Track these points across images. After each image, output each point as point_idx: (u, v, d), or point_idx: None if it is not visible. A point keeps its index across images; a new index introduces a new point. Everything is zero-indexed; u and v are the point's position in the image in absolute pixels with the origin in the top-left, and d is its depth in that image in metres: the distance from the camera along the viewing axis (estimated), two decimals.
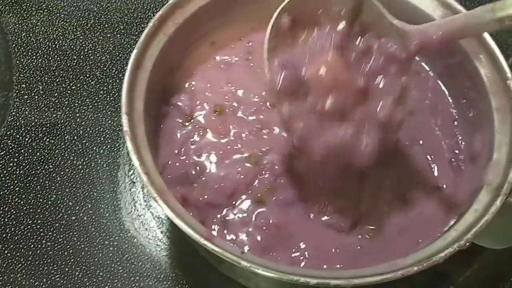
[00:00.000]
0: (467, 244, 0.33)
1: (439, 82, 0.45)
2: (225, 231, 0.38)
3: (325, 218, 0.38)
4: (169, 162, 0.41)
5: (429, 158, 0.41)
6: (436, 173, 0.41)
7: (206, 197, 0.39)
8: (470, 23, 0.32)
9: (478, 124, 0.40)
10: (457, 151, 0.42)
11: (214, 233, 0.38)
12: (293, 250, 0.37)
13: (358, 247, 0.38)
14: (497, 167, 0.36)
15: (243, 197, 0.39)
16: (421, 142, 0.42)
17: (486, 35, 0.40)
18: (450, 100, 0.45)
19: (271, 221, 0.38)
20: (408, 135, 0.42)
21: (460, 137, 0.43)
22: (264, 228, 0.37)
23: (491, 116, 0.38)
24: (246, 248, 0.37)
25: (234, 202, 0.39)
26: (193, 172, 0.41)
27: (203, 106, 0.44)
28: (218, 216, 0.38)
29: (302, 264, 0.37)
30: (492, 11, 0.31)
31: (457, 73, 0.43)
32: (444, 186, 0.40)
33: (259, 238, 0.37)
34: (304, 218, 0.38)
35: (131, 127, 0.36)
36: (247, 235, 0.38)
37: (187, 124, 0.43)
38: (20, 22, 0.58)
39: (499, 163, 0.36)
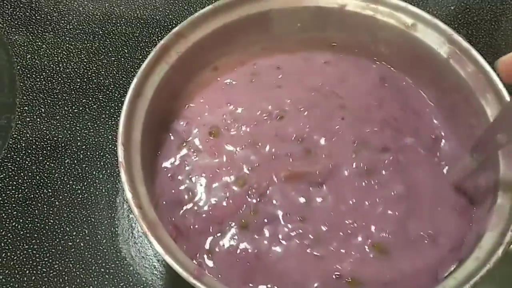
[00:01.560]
0: None
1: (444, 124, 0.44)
2: (212, 263, 0.37)
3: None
4: (164, 189, 0.40)
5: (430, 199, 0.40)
6: (438, 215, 0.39)
7: (196, 226, 0.38)
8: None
9: (482, 166, 0.39)
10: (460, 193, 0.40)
11: (208, 262, 0.37)
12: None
13: None
14: (501, 213, 0.35)
15: (232, 223, 0.38)
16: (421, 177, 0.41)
17: (493, 74, 0.38)
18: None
19: (250, 250, 0.37)
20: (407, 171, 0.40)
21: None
22: (244, 259, 0.37)
23: (497, 158, 0.37)
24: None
25: (221, 231, 0.38)
26: (186, 198, 0.40)
27: (200, 128, 0.43)
28: (207, 246, 0.37)
29: None
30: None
31: (463, 110, 0.41)
32: (443, 229, 0.39)
33: (240, 269, 0.36)
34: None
35: (126, 158, 0.36)
36: (231, 266, 0.37)
37: (183, 148, 0.42)
38: (25, 43, 0.59)
39: (502, 208, 0.35)
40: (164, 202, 0.39)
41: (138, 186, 0.35)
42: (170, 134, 0.43)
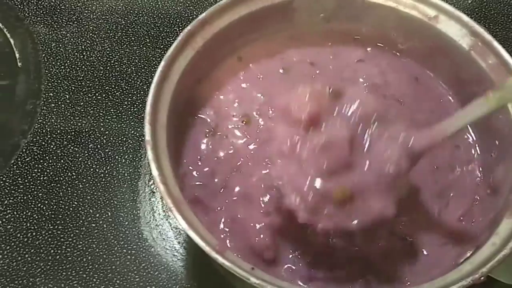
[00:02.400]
0: (482, 278, 0.32)
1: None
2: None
3: None
4: (189, 171, 0.41)
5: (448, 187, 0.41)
6: (454, 204, 0.40)
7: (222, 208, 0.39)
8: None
9: (500, 155, 0.40)
10: (478, 181, 0.41)
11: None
12: None
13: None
14: None
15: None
16: (436, 167, 0.41)
17: None
18: (469, 129, 0.43)
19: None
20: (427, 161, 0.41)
21: (480, 168, 0.42)
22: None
23: None
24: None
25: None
26: (213, 184, 0.41)
27: (229, 116, 0.44)
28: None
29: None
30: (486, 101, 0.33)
31: None
32: (462, 217, 0.40)
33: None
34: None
35: (153, 137, 0.37)
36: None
37: (210, 133, 0.43)
38: (50, 32, 0.60)
39: None
40: (187, 184, 0.40)
41: (164, 164, 0.36)
42: (197, 119, 0.44)
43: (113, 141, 0.53)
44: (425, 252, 0.38)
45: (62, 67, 0.58)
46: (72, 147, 0.52)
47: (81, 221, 0.48)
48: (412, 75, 0.46)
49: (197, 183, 0.40)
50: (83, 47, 0.59)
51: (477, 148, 0.43)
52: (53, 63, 0.58)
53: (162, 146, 0.38)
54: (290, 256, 0.38)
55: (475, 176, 0.41)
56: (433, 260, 0.38)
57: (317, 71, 0.46)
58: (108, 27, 0.61)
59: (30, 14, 0.62)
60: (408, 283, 0.37)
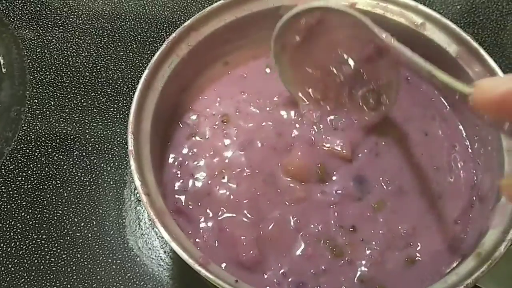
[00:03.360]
0: None
1: (454, 115, 0.44)
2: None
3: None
4: (172, 177, 0.41)
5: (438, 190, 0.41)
6: (446, 209, 0.40)
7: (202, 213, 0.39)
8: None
9: (488, 164, 0.39)
10: (471, 188, 0.41)
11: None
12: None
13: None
14: (504, 211, 0.35)
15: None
16: (435, 167, 0.41)
17: (501, 74, 0.39)
18: (464, 135, 0.43)
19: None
20: (423, 158, 0.41)
21: (474, 175, 0.41)
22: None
23: (502, 157, 0.38)
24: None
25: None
26: (192, 185, 0.40)
27: (210, 117, 0.43)
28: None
29: None
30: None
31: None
32: (458, 220, 0.39)
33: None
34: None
35: (135, 147, 0.37)
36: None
37: (192, 137, 0.43)
38: (35, 38, 0.60)
39: (505, 207, 0.35)
40: (171, 190, 0.40)
41: (147, 174, 0.36)
42: (180, 125, 0.43)
43: (99, 148, 0.52)
44: (419, 258, 0.38)
45: (47, 73, 0.57)
46: (57, 155, 0.52)
47: (65, 231, 0.48)
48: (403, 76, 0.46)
49: (180, 190, 0.40)
50: (68, 52, 0.59)
51: (470, 152, 0.42)
52: (38, 68, 0.57)
53: (146, 156, 0.37)
54: (275, 268, 0.37)
55: (471, 178, 0.41)
56: (424, 269, 0.37)
57: None
58: (94, 32, 0.60)
59: (15, 19, 0.61)
60: None
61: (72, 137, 0.53)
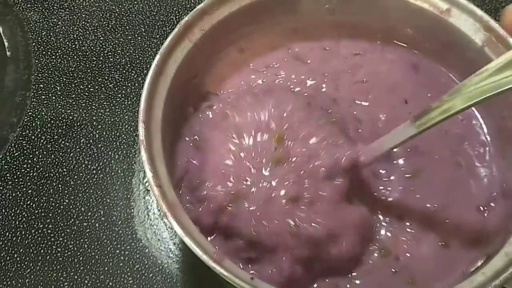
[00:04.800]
0: None
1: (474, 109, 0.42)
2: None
3: None
4: (185, 167, 0.39)
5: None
6: (465, 209, 0.38)
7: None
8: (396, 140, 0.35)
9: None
10: (490, 186, 0.39)
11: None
12: None
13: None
14: None
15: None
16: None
17: None
18: (485, 130, 0.41)
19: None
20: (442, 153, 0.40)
21: (494, 172, 0.40)
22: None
23: None
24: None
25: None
26: (207, 176, 0.38)
27: (228, 106, 0.41)
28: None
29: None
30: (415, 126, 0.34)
31: (496, 101, 0.40)
32: (472, 223, 0.38)
33: None
34: None
35: (147, 136, 0.35)
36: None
37: (207, 127, 0.41)
38: (41, 20, 0.58)
39: None
40: (184, 181, 0.38)
41: (158, 165, 0.34)
42: (194, 112, 0.41)
43: (106, 135, 0.51)
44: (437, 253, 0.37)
45: (53, 57, 0.55)
46: (63, 142, 0.50)
47: (72, 220, 0.46)
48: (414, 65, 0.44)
49: (194, 184, 0.38)
50: (75, 35, 0.57)
51: (491, 148, 0.41)
52: (44, 52, 0.55)
53: (157, 146, 0.36)
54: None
55: (491, 175, 0.40)
56: (442, 266, 0.36)
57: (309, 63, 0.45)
58: (101, 14, 0.58)
59: (20, 0, 0.59)
60: None
61: (78, 123, 0.51)
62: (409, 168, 0.40)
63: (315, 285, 0.36)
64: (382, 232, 0.37)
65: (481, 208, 0.38)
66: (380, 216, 0.38)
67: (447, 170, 0.40)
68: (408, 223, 0.38)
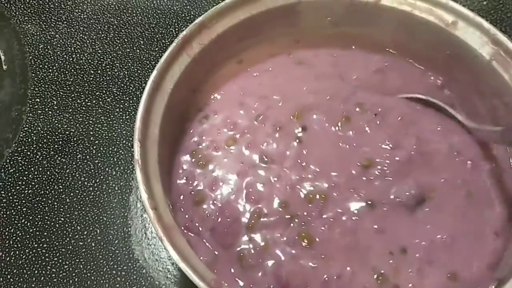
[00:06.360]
0: None
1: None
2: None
3: None
4: (182, 185, 0.38)
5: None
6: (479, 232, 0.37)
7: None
8: None
9: None
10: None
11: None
12: None
13: None
14: None
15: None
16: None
17: None
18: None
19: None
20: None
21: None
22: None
23: None
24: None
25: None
26: (205, 193, 0.38)
27: (223, 119, 0.41)
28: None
29: None
30: None
31: (502, 117, 0.38)
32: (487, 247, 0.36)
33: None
34: None
35: (142, 155, 0.34)
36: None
37: (204, 142, 0.40)
38: (38, 33, 0.57)
39: None
40: (182, 200, 0.37)
41: (154, 185, 0.33)
42: (191, 127, 0.40)
43: (103, 151, 0.49)
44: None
45: (50, 70, 0.54)
46: (59, 158, 0.49)
47: (67, 239, 0.45)
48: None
49: (192, 206, 0.37)
50: (72, 49, 0.56)
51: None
52: (41, 66, 0.54)
53: (153, 165, 0.34)
54: None
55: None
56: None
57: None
58: (99, 27, 0.57)
59: (17, 12, 0.58)
60: None
61: (75, 138, 0.50)
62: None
63: None
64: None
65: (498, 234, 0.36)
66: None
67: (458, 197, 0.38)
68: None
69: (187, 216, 0.37)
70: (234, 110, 0.40)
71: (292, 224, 0.35)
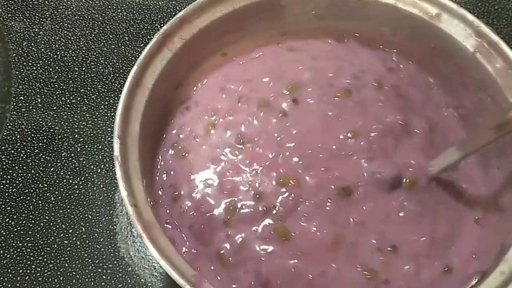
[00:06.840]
0: None
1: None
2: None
3: None
4: (164, 181, 0.38)
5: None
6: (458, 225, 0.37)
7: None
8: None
9: (510, 177, 0.36)
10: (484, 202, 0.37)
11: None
12: None
13: None
14: None
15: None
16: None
17: None
18: None
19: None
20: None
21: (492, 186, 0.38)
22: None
23: None
24: None
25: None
26: (186, 189, 0.37)
27: (205, 111, 0.40)
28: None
29: None
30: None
31: (487, 108, 0.38)
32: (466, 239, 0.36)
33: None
34: None
35: (122, 152, 0.33)
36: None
37: (184, 135, 0.39)
38: (22, 30, 0.56)
39: None
40: (162, 195, 0.37)
41: (134, 182, 0.33)
42: (172, 123, 0.40)
43: (88, 149, 0.49)
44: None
45: (34, 67, 0.53)
46: (43, 156, 0.48)
47: (52, 238, 0.44)
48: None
49: (171, 202, 0.36)
50: (57, 46, 0.55)
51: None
52: (25, 63, 0.54)
53: (134, 161, 0.34)
54: None
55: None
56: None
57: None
58: (84, 24, 0.56)
59: (0, 9, 0.57)
60: None
61: (60, 136, 0.49)
62: None
63: None
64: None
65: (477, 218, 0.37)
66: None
67: None
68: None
69: (168, 212, 0.36)
70: (215, 96, 0.40)
71: (267, 218, 0.34)
